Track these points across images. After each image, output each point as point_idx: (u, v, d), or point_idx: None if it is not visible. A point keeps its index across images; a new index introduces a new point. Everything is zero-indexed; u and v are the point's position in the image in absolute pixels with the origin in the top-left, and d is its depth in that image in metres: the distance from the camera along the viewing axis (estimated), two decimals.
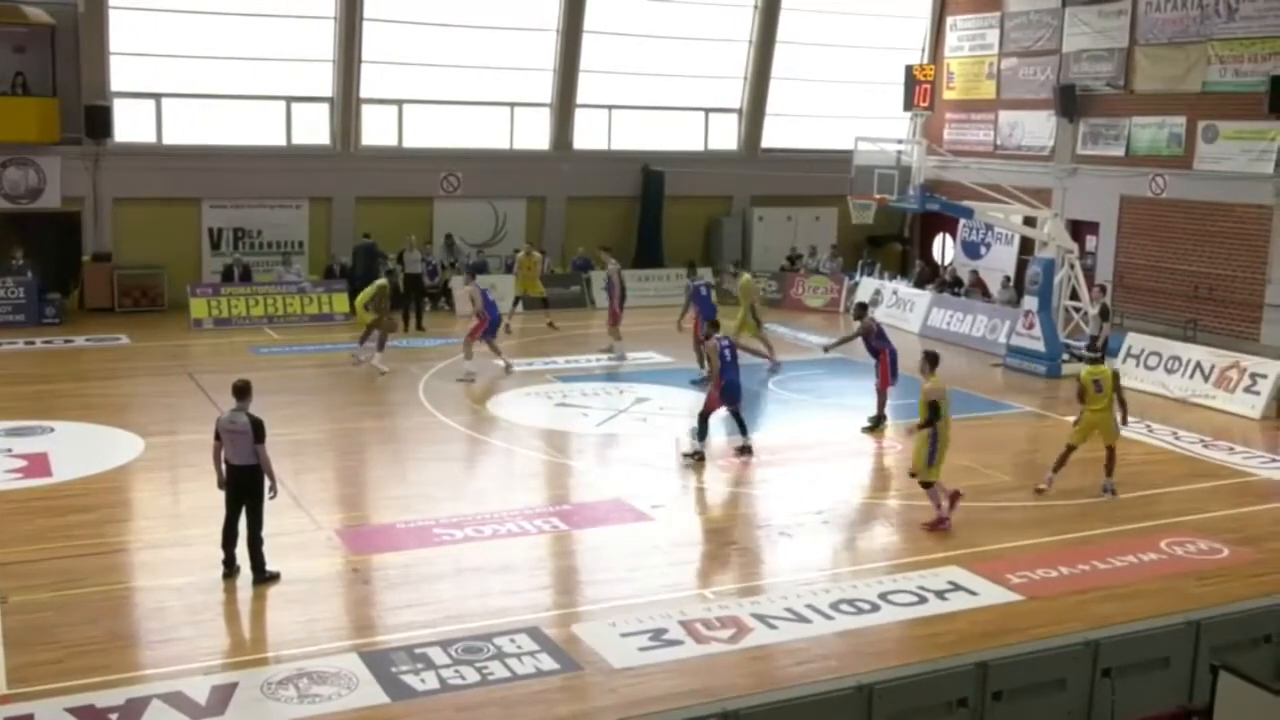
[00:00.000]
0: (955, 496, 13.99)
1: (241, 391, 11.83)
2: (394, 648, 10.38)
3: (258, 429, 11.58)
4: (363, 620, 11.18)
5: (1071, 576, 12.49)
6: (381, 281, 21.45)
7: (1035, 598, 11.90)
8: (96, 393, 19.42)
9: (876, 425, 18.17)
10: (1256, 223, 24.68)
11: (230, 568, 11.73)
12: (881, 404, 18.28)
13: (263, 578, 11.66)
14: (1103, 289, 21.83)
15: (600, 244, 26.79)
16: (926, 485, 13.91)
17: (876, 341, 18.23)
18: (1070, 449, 15.35)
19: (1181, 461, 17.09)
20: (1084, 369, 15.83)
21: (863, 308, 19.36)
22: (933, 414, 13.67)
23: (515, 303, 25.65)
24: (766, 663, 10.41)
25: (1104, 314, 20.40)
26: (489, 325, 20.95)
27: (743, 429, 16.73)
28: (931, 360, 14.10)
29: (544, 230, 29.98)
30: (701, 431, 16.45)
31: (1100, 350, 20.33)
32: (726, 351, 16.43)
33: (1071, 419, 19.19)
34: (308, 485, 14.88)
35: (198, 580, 11.68)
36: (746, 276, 22.70)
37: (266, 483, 11.66)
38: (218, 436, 11.72)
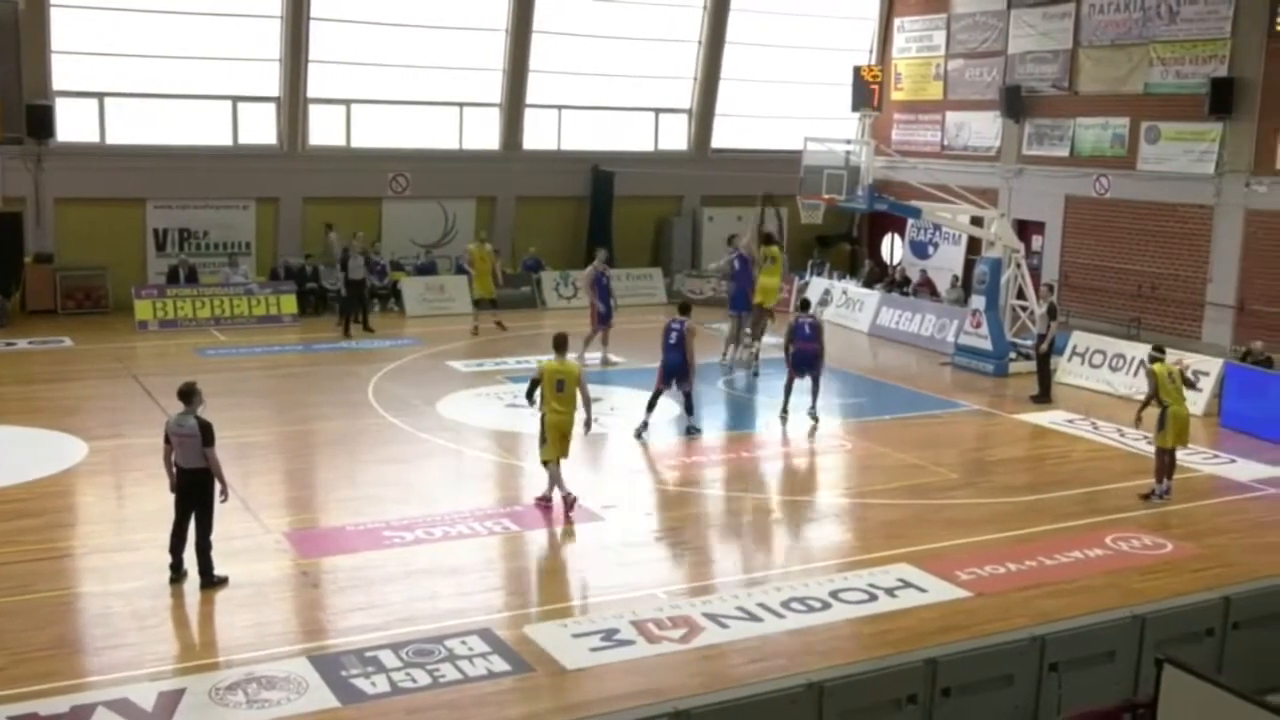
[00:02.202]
0: (568, 501, 13.99)
1: (188, 395, 11.69)
2: (344, 651, 10.31)
3: (206, 432, 11.47)
4: (312, 624, 11.09)
5: (1019, 573, 12.62)
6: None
7: (983, 594, 12.02)
8: (39, 396, 19.14)
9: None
10: (1198, 222, 25.07)
11: (178, 572, 11.61)
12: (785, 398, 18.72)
13: (210, 582, 11.55)
14: (1050, 288, 22.11)
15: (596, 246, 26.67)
16: (545, 463, 14.14)
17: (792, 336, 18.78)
18: (1169, 452, 15.27)
19: (1126, 458, 17.32)
20: (1159, 365, 15.45)
21: (804, 304, 20.07)
22: (529, 388, 14.22)
23: (476, 304, 25.50)
24: (718, 662, 10.45)
25: (1051, 313, 20.65)
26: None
27: (689, 409, 17.76)
28: (555, 343, 14.60)
29: (494, 230, 29.87)
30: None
31: (1047, 350, 20.61)
32: (673, 335, 17.40)
33: (1021, 417, 19.52)
34: (256, 488, 14.75)
35: (144, 585, 11.55)
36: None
37: (216, 487, 11.56)
38: (167, 440, 11.60)
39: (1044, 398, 20.46)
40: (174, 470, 11.62)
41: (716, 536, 13.74)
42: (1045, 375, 20.73)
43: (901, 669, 8.72)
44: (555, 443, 13.94)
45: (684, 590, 12.02)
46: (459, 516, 13.85)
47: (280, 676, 9.82)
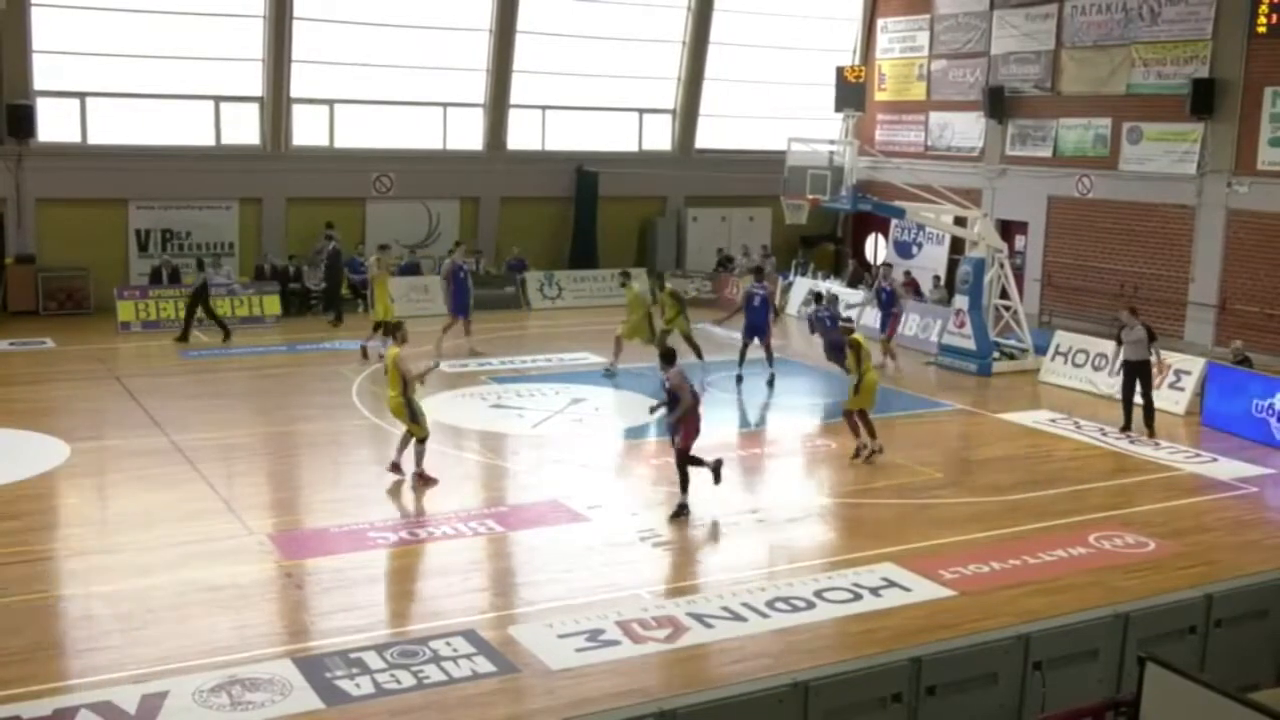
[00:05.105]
0: (395, 468, 15.17)
1: None
2: (328, 653, 10.28)
3: None
4: (296, 625, 11.06)
5: (1003, 571, 12.65)
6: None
7: (967, 593, 12.04)
8: (20, 398, 19.03)
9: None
10: (1179, 223, 25.20)
11: None
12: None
13: None
14: (1134, 310, 19.14)
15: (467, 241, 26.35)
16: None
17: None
18: (865, 413, 16.63)
19: (1108, 457, 17.37)
20: (856, 336, 16.94)
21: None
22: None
23: (376, 328, 21.60)
24: (703, 662, 10.45)
25: (1150, 335, 18.47)
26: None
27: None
28: (392, 331, 15.87)
29: (478, 231, 29.88)
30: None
31: (1155, 367, 18.78)
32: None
33: (1005, 416, 19.59)
34: (239, 489, 14.68)
35: (126, 587, 11.49)
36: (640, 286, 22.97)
37: None
38: None
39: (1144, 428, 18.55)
40: None
41: (701, 536, 13.74)
42: (1148, 405, 18.60)
43: (886, 668, 8.72)
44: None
45: (669, 590, 12.02)
46: (443, 517, 13.82)
47: (264, 678, 9.78)
